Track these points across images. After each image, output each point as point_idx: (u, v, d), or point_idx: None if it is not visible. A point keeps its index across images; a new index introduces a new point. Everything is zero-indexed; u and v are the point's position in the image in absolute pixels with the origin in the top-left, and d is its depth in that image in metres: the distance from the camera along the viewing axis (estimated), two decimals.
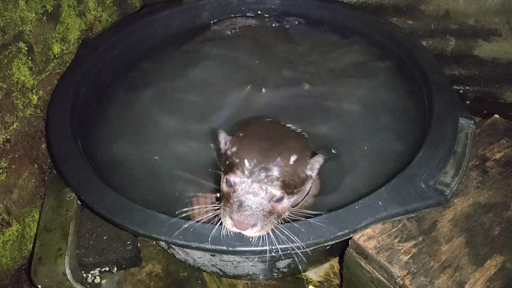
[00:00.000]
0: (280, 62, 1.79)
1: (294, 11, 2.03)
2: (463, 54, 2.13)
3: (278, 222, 1.02)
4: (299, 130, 1.19)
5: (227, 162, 1.07)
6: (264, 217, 0.98)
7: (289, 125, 1.19)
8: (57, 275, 1.28)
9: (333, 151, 1.40)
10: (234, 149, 1.07)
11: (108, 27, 1.85)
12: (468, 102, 2.21)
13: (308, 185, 1.17)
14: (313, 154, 1.14)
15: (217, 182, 1.16)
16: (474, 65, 2.14)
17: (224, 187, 1.06)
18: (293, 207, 1.11)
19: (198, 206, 1.15)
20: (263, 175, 1.00)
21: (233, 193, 1.00)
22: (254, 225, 0.97)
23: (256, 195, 0.99)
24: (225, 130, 1.16)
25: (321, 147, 1.40)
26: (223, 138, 1.15)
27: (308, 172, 1.11)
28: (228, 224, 1.00)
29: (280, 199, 1.02)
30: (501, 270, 1.04)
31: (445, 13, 2.06)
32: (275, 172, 1.01)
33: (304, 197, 1.20)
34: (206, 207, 1.12)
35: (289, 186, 1.03)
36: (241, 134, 1.11)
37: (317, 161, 1.12)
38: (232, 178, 1.01)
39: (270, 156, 1.02)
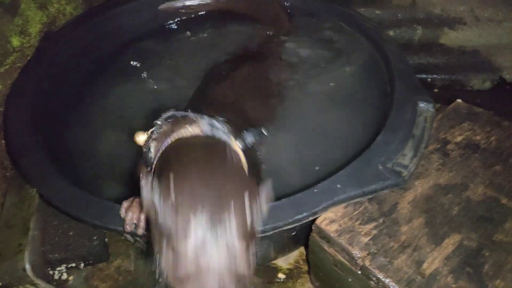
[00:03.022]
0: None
1: None
2: (430, 43, 2.17)
3: None
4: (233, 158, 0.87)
5: (163, 222, 0.74)
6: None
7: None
8: (17, 271, 1.24)
9: (264, 132, 1.22)
10: (169, 197, 0.75)
11: (72, 19, 1.81)
12: (436, 90, 2.25)
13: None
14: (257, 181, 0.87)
15: None
16: (441, 53, 2.18)
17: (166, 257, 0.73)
18: None
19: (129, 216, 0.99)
20: (219, 230, 0.72)
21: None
22: None
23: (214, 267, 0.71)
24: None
25: (249, 128, 1.15)
26: (147, 184, 0.79)
27: (260, 206, 0.81)
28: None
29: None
30: (459, 248, 1.06)
31: (411, 2, 2.10)
32: (233, 224, 0.73)
33: None
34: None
35: (248, 234, 0.76)
36: (172, 176, 0.77)
37: (267, 191, 0.84)
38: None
39: (219, 196, 0.76)
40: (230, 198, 0.76)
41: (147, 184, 0.78)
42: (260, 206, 0.81)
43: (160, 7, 1.92)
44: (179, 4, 1.94)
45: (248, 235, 0.76)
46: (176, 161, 0.83)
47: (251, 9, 1.98)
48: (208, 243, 0.71)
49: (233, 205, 0.75)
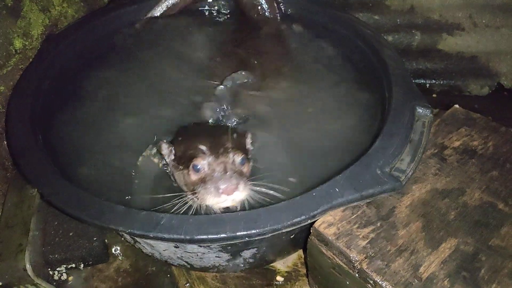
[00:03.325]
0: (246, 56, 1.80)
1: None
2: (428, 48, 2.19)
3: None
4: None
5: (183, 160, 1.21)
6: (241, 177, 1.13)
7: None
8: (18, 271, 1.25)
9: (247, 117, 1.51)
10: (182, 147, 1.24)
11: (73, 22, 1.83)
12: (434, 95, 2.27)
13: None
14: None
15: None
16: (440, 59, 2.20)
17: (193, 177, 1.17)
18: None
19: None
20: (221, 148, 1.17)
21: (206, 173, 1.14)
22: (238, 185, 1.10)
23: (227, 162, 1.14)
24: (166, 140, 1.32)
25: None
26: (166, 148, 1.30)
27: (248, 146, 1.33)
28: (214, 199, 1.11)
29: (243, 162, 1.19)
30: (455, 252, 1.07)
31: (410, 8, 2.12)
32: (229, 143, 1.19)
33: None
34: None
35: (244, 152, 1.23)
36: (180, 138, 1.30)
37: (249, 136, 1.35)
38: (200, 161, 1.16)
39: (218, 136, 1.24)
40: (223, 132, 1.26)
41: (165, 145, 1.30)
42: (247, 140, 1.33)
43: (137, 26, 1.94)
44: (156, 13, 1.95)
45: (240, 150, 1.21)
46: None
47: None
48: (214, 156, 1.16)
49: (225, 136, 1.22)
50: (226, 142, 1.20)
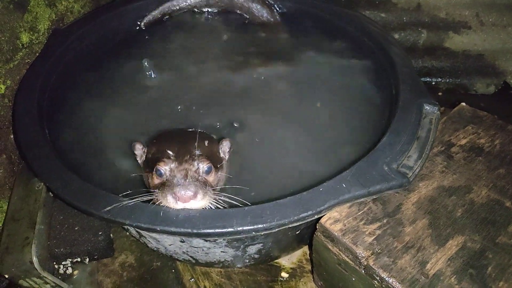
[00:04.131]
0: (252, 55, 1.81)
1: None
2: (434, 46, 2.18)
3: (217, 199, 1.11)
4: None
5: (150, 162, 1.19)
6: (202, 186, 1.08)
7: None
8: (24, 264, 1.26)
9: (235, 125, 1.51)
10: (153, 150, 1.24)
11: (80, 17, 1.83)
12: (440, 93, 2.26)
13: (225, 167, 1.32)
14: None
15: None
16: (446, 57, 2.20)
17: (155, 180, 1.15)
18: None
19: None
20: (188, 155, 1.14)
21: (166, 178, 1.11)
22: (196, 194, 1.05)
23: (188, 170, 1.10)
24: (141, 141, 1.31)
25: (222, 124, 1.52)
26: (139, 149, 1.29)
27: (222, 154, 1.31)
28: (170, 205, 1.06)
29: (209, 170, 1.15)
30: (462, 249, 1.07)
31: (416, 6, 2.11)
32: (197, 151, 1.16)
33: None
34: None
35: (213, 160, 1.18)
36: (154, 140, 1.30)
37: (226, 144, 1.32)
38: (162, 166, 1.12)
39: (188, 142, 1.19)
40: (193, 138, 1.21)
41: (139, 146, 1.29)
42: (222, 148, 1.31)
43: (142, 24, 1.95)
44: (156, 12, 1.96)
45: (210, 157, 1.17)
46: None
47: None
48: (178, 162, 1.11)
49: (197, 141, 1.19)
50: (194, 149, 1.16)
